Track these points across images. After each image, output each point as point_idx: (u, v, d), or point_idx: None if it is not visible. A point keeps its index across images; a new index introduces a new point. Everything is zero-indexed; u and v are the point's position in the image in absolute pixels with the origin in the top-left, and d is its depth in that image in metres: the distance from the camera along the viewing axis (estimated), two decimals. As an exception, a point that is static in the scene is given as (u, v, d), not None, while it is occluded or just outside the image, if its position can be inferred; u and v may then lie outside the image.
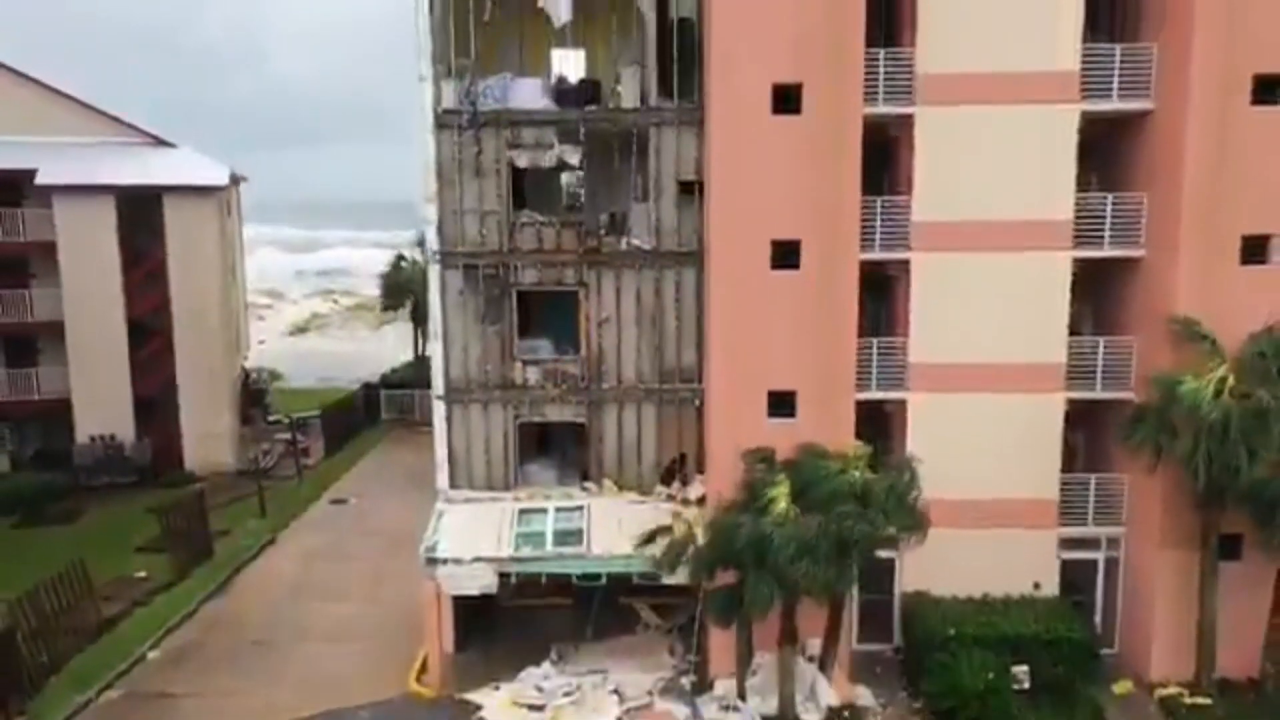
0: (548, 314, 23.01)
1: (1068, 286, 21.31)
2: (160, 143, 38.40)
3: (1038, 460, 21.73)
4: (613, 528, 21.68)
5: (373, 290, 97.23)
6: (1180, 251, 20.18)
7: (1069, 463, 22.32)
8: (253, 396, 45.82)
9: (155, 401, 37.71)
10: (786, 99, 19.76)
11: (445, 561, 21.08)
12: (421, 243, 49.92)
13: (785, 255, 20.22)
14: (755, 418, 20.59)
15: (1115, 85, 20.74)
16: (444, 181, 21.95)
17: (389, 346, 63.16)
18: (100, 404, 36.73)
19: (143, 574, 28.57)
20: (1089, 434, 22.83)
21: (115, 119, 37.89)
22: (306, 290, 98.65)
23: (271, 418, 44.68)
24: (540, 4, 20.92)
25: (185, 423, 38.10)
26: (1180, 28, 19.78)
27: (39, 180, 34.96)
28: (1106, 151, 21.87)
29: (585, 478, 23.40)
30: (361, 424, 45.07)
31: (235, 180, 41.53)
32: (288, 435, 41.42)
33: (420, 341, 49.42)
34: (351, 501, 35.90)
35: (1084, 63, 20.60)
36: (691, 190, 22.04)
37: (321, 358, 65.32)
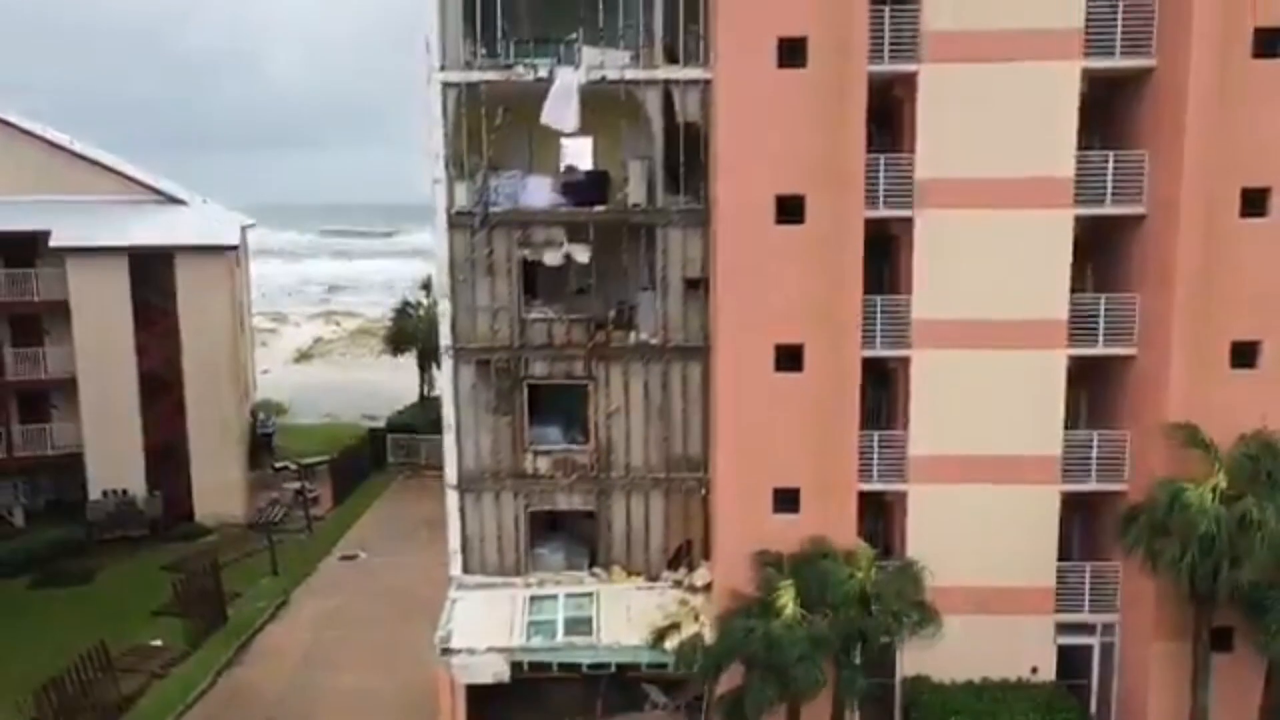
0: (558, 404, 23.59)
1: (1063, 382, 21.93)
2: (171, 200, 38.99)
3: (1035, 548, 22.32)
4: (621, 615, 22.31)
5: (374, 310, 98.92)
6: (1172, 353, 20.81)
7: (1065, 549, 22.95)
8: (259, 440, 46.47)
9: (166, 455, 38.28)
10: (790, 209, 20.38)
11: (459, 652, 21.67)
12: (427, 286, 50.94)
13: (789, 358, 20.85)
14: (760, 513, 21.24)
15: (1109, 187, 21.36)
16: (457, 279, 22.56)
17: (392, 377, 63.63)
18: (112, 458, 37.30)
19: (158, 642, 29.16)
20: (1084, 522, 23.45)
21: (126, 176, 38.54)
22: (309, 311, 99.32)
23: (279, 464, 45.22)
24: (545, 120, 21.47)
25: (196, 476, 38.67)
26: (1170, 140, 20.39)
27: (53, 243, 35.55)
28: (1101, 250, 22.50)
29: (594, 562, 24.00)
30: (368, 469, 45.61)
31: (244, 230, 42.14)
32: (296, 484, 42.07)
33: (425, 384, 50.03)
34: (361, 557, 36.48)
35: (1079, 169, 21.23)
36: (698, 286, 22.64)
37: (326, 390, 65.72)
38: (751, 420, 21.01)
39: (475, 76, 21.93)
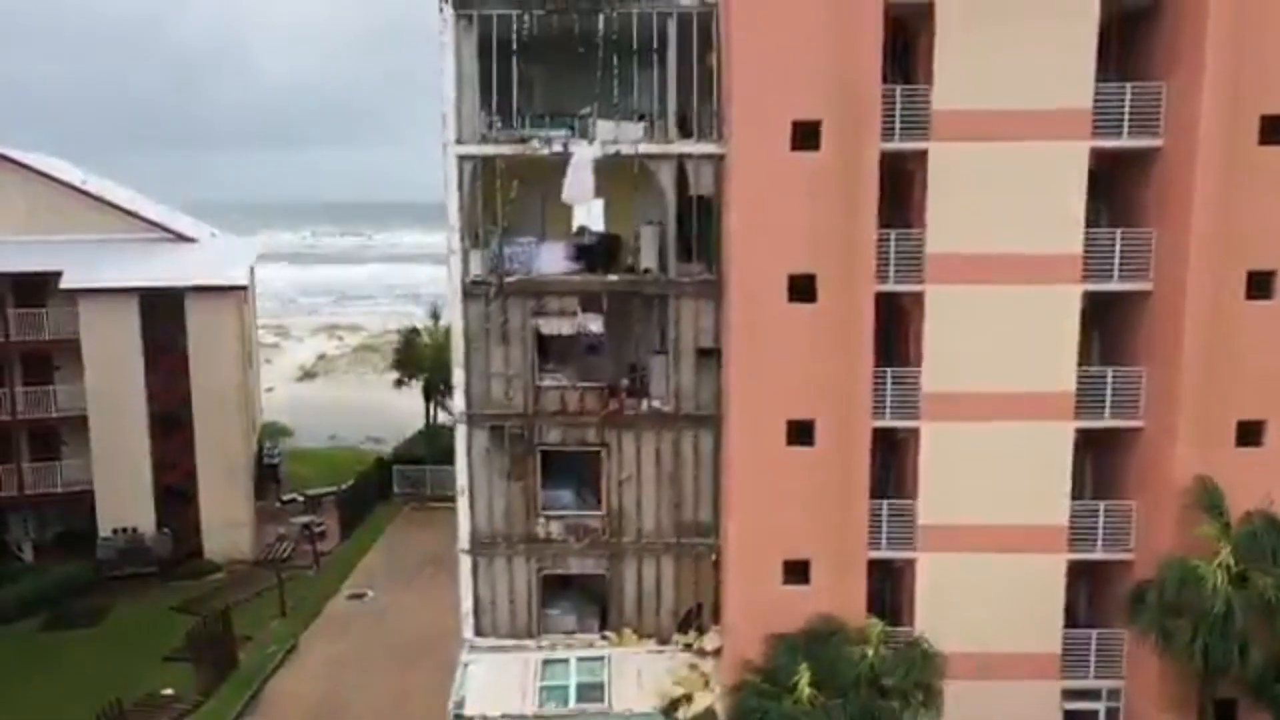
0: (570, 469, 23.85)
1: (1070, 453, 22.20)
2: (181, 238, 39.23)
3: (1042, 615, 22.60)
4: (633, 681, 22.60)
5: (376, 321, 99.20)
6: (1179, 428, 21.10)
7: (1071, 614, 23.22)
8: (265, 470, 46.66)
9: (175, 492, 38.59)
10: (802, 287, 20.66)
11: (473, 718, 21.93)
12: (436, 316, 51.16)
13: (800, 433, 21.12)
14: (771, 584, 21.52)
15: (1116, 263, 21.64)
16: (471, 347, 22.82)
17: (396, 397, 63.70)
18: (122, 496, 37.62)
19: (170, 691, 29.40)
20: (1090, 588, 23.74)
21: (137, 216, 38.78)
22: (312, 324, 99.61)
23: (286, 496, 45.47)
24: (565, 199, 21.77)
25: (204, 513, 38.95)
26: (1178, 220, 20.67)
27: (64, 284, 35.84)
28: (1108, 323, 22.77)
29: (604, 622, 24.26)
30: (374, 500, 45.81)
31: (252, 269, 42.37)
32: (303, 517, 42.32)
33: (431, 412, 50.20)
34: (369, 595, 36.70)
35: (1087, 245, 21.51)
36: (710, 355, 22.90)
37: (330, 411, 65.91)
38: (762, 494, 21.28)
39: (490, 150, 22.19)
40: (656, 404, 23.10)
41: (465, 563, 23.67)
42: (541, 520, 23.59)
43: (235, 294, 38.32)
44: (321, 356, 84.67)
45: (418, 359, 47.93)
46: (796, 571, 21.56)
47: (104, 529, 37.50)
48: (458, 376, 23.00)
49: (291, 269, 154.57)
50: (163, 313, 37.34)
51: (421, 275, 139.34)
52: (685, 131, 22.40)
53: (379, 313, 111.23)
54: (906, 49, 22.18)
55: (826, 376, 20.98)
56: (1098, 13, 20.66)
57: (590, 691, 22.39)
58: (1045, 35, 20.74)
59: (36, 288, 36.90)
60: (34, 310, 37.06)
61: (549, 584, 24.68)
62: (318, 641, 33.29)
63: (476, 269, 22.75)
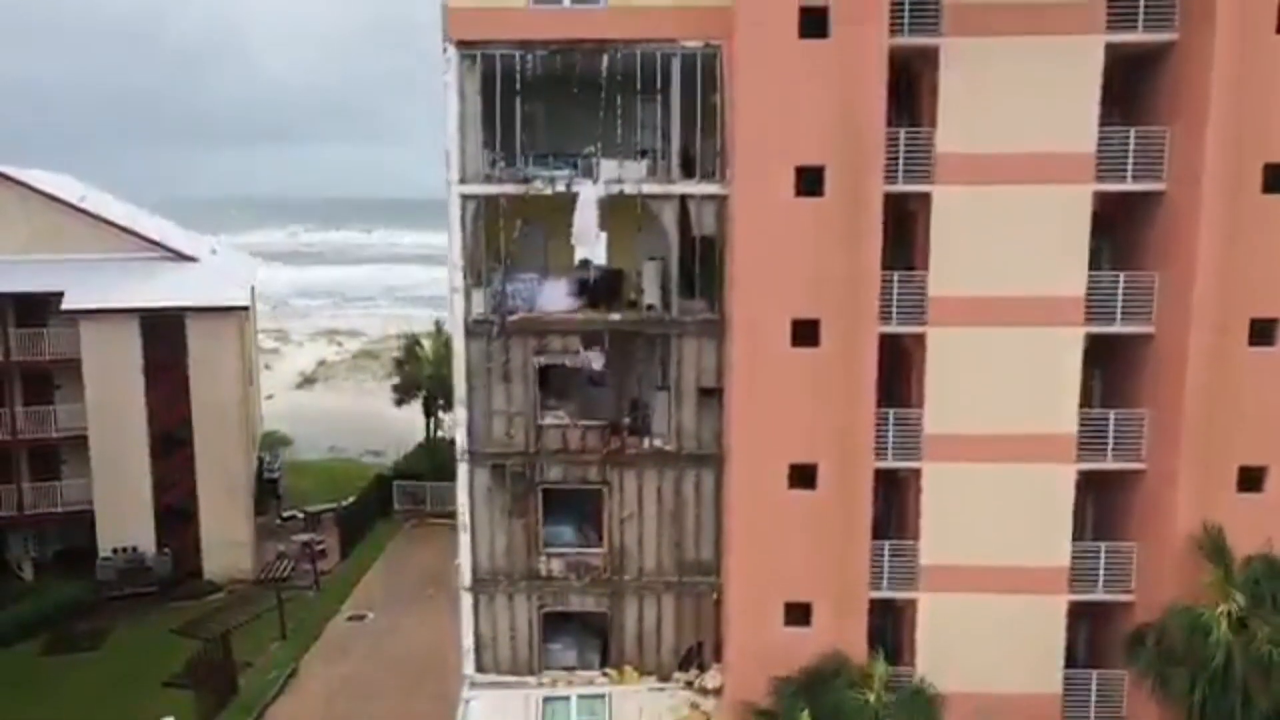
0: (572, 507, 23.85)
1: (1071, 495, 22.21)
2: (181, 257, 39.19)
3: (1042, 656, 22.61)
4: (634, 719, 22.60)
5: (375, 325, 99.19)
6: (1180, 471, 21.11)
7: (1072, 654, 23.23)
8: (265, 485, 46.64)
9: (176, 512, 38.55)
10: (805, 331, 20.66)
11: (474, 758, 21.96)
12: (438, 327, 51.11)
13: (803, 477, 21.13)
14: (772, 626, 21.56)
15: (1119, 306, 21.64)
16: (473, 385, 22.80)
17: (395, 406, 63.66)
18: (122, 515, 37.58)
19: (170, 719, 29.39)
20: (1091, 630, 23.76)
21: (137, 235, 38.72)
22: (312, 329, 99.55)
23: (286, 513, 45.45)
24: (575, 244, 21.83)
25: (205, 533, 38.92)
26: (1182, 266, 20.67)
27: (66, 306, 35.80)
28: (1110, 364, 22.77)
29: (605, 657, 24.27)
30: (374, 517, 45.77)
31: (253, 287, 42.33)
32: (304, 535, 42.30)
33: (431, 427, 50.23)
34: (369, 617, 36.67)
35: (1090, 287, 21.51)
36: (712, 394, 22.88)
37: (329, 420, 65.88)
38: (763, 537, 21.31)
39: (493, 189, 22.15)
40: (658, 443, 23.09)
41: (466, 599, 23.67)
42: (543, 557, 23.59)
43: (236, 314, 38.26)
44: (321, 363, 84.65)
45: (417, 375, 47.91)
46: (798, 613, 21.58)
47: (104, 549, 37.47)
48: (460, 414, 22.99)
49: (290, 269, 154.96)
50: (163, 333, 37.30)
51: (421, 276, 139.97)
52: (688, 170, 22.36)
53: (379, 316, 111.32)
54: (910, 88, 22.16)
55: (829, 420, 20.99)
56: (1102, 58, 20.65)
57: (591, 731, 22.40)
58: (1049, 79, 20.75)
59: (37, 307, 36.84)
60: (35, 330, 37.00)
61: (550, 619, 24.68)
62: (318, 665, 33.30)
63: (479, 307, 22.72)
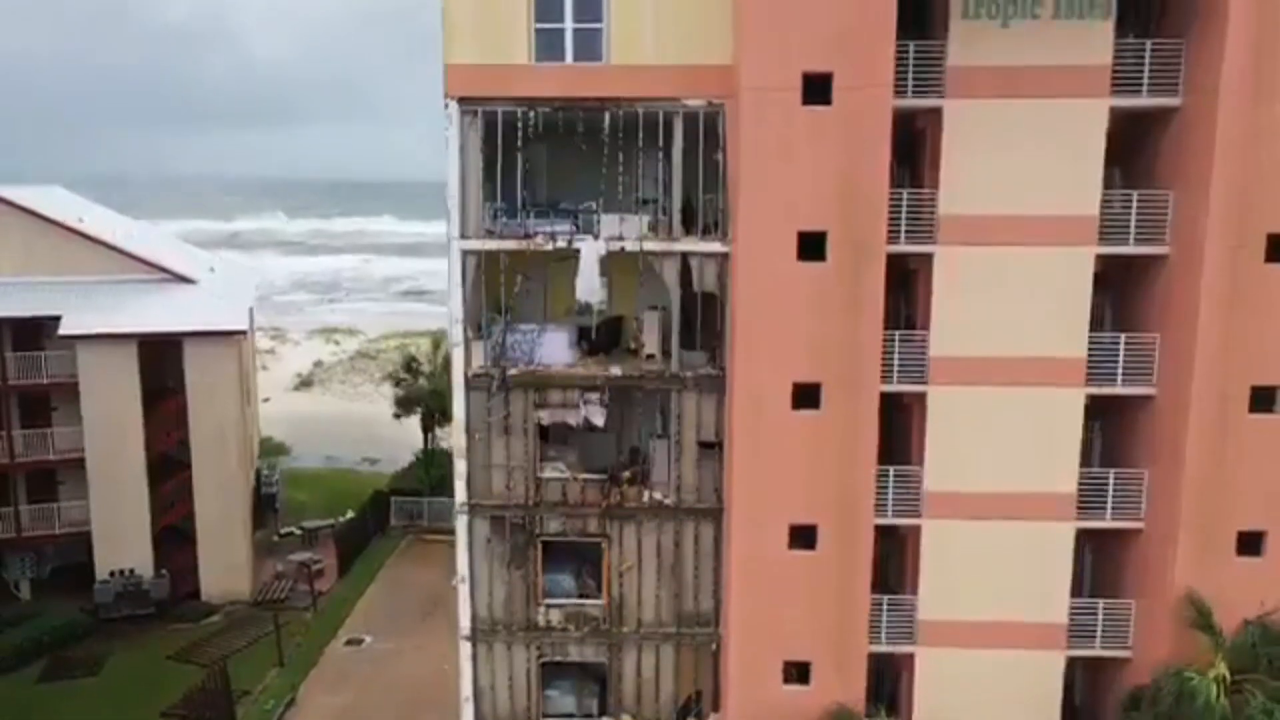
0: (571, 553, 23.89)
1: (1070, 551, 22.29)
2: (179, 278, 39.06)
3: (1038, 711, 22.75)
4: (631, 771, 22.72)
5: (373, 326, 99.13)
6: (1179, 533, 21.18)
7: (1069, 701, 23.36)
8: (263, 500, 46.62)
9: (173, 534, 38.59)
10: (806, 394, 20.66)
11: (472, 812, 22.07)
12: (437, 344, 51.13)
13: (802, 537, 21.19)
14: (771, 685, 21.71)
15: (1120, 369, 21.65)
16: (473, 439, 22.78)
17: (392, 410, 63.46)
18: (120, 538, 37.53)
19: (170, 752, 29.54)
20: (1087, 679, 23.90)
21: (135, 257, 38.57)
22: (308, 326, 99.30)
23: (284, 530, 45.47)
24: (579, 298, 21.86)
25: (202, 555, 38.97)
26: (1183, 330, 20.67)
27: (63, 331, 35.68)
28: (1110, 423, 22.81)
29: (603, 704, 24.37)
30: (372, 534, 45.82)
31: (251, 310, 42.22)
32: (301, 555, 42.37)
33: (428, 441, 50.21)
34: (367, 641, 36.75)
35: (1092, 348, 21.53)
36: (712, 447, 22.88)
37: (326, 426, 65.73)
38: (763, 597, 21.40)
39: (494, 245, 22.08)
40: (658, 495, 23.10)
41: (465, 648, 23.72)
42: (542, 608, 23.63)
43: (234, 338, 38.16)
44: (318, 364, 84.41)
45: (415, 397, 48.03)
46: (796, 672, 21.67)
47: (101, 572, 37.48)
48: (459, 467, 22.97)
49: (287, 260, 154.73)
50: (162, 356, 37.24)
51: (416, 268, 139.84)
52: (690, 226, 22.26)
53: (375, 313, 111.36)
54: (913, 142, 22.09)
55: (829, 481, 21.05)
56: (1106, 122, 20.59)
57: (589, 783, 22.51)
58: (1053, 143, 20.71)
59: (34, 329, 36.74)
60: (32, 353, 36.89)
61: (549, 664, 24.76)
62: (317, 693, 33.39)
63: (479, 360, 22.68)
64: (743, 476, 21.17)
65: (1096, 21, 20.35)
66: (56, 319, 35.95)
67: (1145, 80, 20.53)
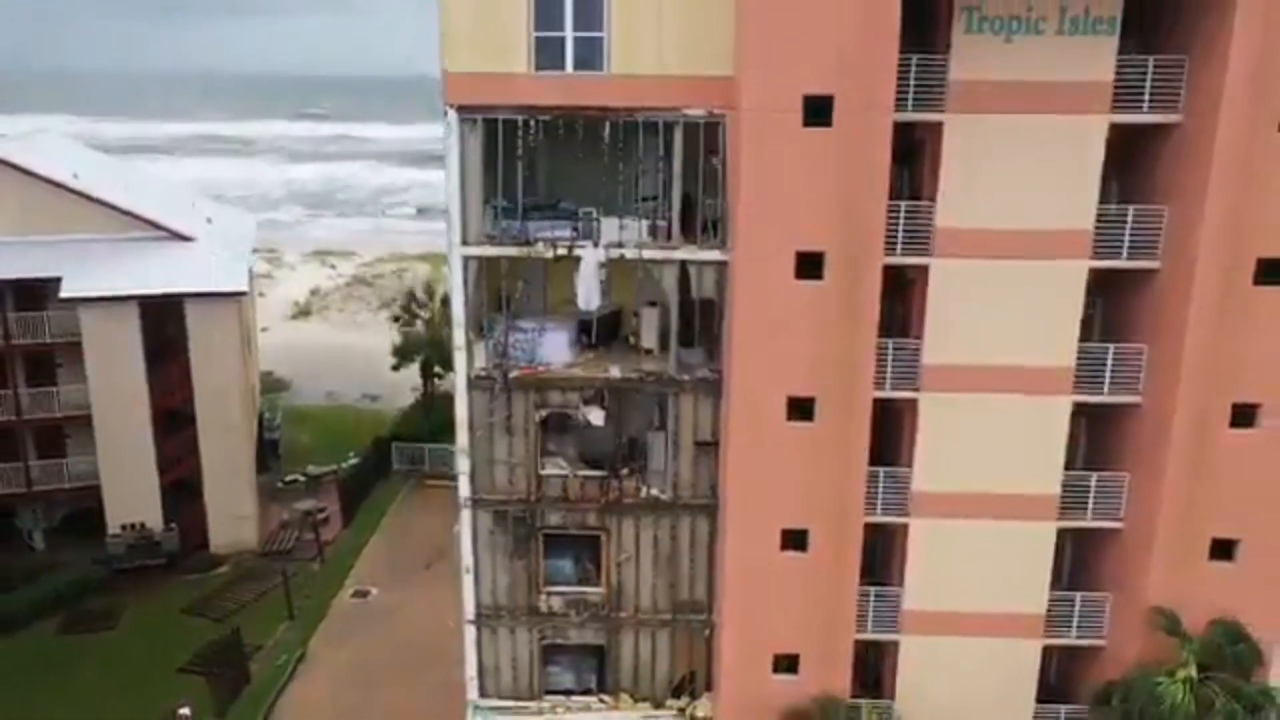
0: (571, 547, 24.76)
1: (1051, 547, 23.20)
2: (177, 236, 39.06)
3: (1014, 690, 23.92)
4: (628, 748, 24.08)
5: (368, 248, 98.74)
6: (1156, 536, 22.04)
7: (1044, 675, 24.57)
8: (266, 445, 47.51)
9: (181, 488, 39.49)
10: (801, 408, 21.22)
11: (479, 787, 23.44)
12: (430, 293, 51.33)
13: (794, 540, 22.02)
14: (761, 675, 22.85)
15: (1108, 377, 22.17)
16: (476, 436, 23.39)
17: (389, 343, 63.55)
18: (128, 493, 38.44)
19: (186, 711, 30.83)
20: (1060, 661, 25.09)
21: (133, 215, 38.48)
22: (302, 249, 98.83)
23: (288, 478, 46.43)
24: (580, 304, 22.16)
25: (210, 507, 40.00)
26: (1171, 343, 21.14)
27: (64, 294, 35.90)
28: (1096, 425, 23.44)
29: (601, 681, 25.60)
30: (374, 480, 46.78)
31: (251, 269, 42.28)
32: (305, 504, 43.45)
33: (428, 386, 50.88)
34: (373, 594, 38.05)
35: (1080, 356, 22.03)
36: (708, 445, 23.53)
37: (325, 357, 66.06)
38: (756, 596, 22.35)
39: (495, 251, 22.31)
40: (655, 491, 23.85)
41: (470, 632, 24.79)
42: (543, 595, 24.62)
43: (235, 299, 38.40)
44: (315, 291, 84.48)
45: (413, 347, 48.54)
46: (785, 663, 22.79)
47: (112, 525, 38.49)
48: (463, 464, 23.64)
49: (275, 167, 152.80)
50: (164, 313, 37.54)
51: (411, 178, 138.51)
52: (689, 221, 22.40)
53: (370, 232, 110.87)
54: (912, 150, 22.14)
55: (822, 487, 21.76)
56: (1105, 137, 20.67)
57: (589, 760, 23.85)
58: (1053, 157, 20.81)
59: (36, 290, 36.93)
60: (34, 313, 37.17)
61: (550, 645, 25.88)
62: (325, 647, 34.78)
63: (481, 362, 23.13)
64: (738, 484, 21.88)
65: (1101, 37, 20.25)
66: (57, 280, 36.08)
67: (1147, 96, 20.51)
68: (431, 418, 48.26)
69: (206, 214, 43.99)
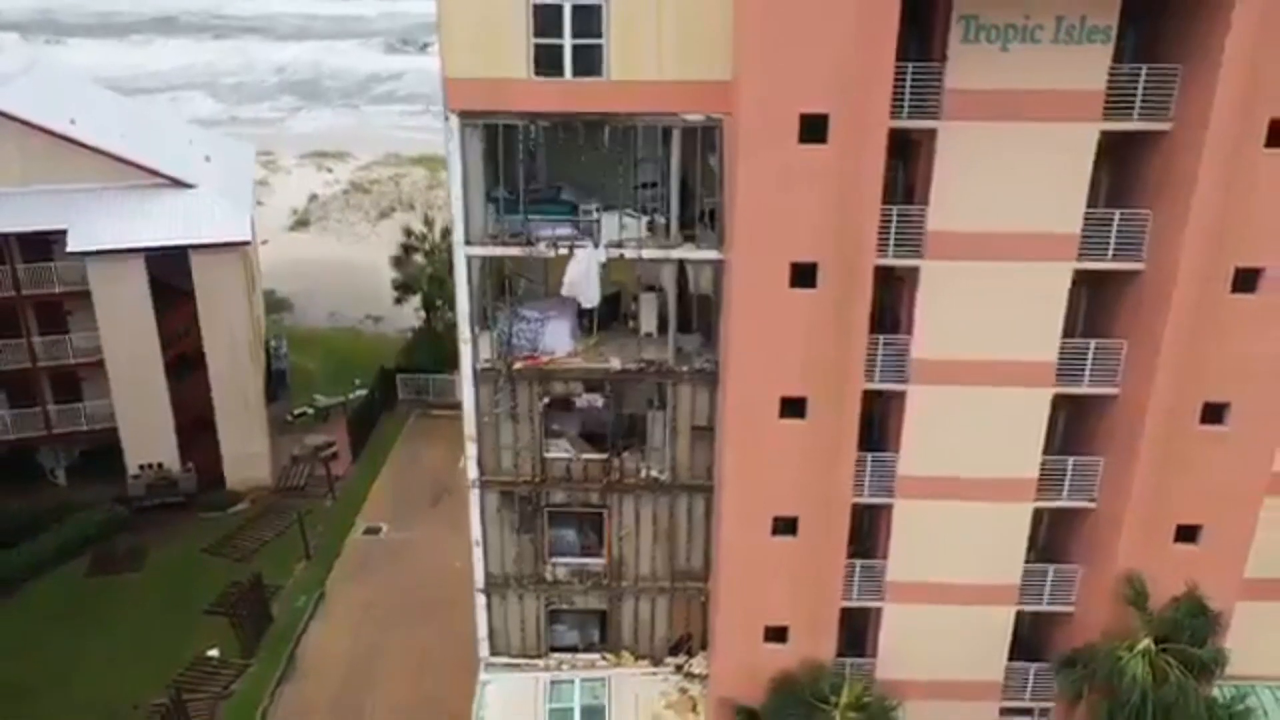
0: (575, 522, 26.17)
1: (1027, 525, 24.59)
2: (178, 184, 39.23)
3: (989, 652, 25.74)
4: (630, 704, 26.09)
5: (363, 149, 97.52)
6: (1126, 517, 23.37)
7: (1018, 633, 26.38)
8: (274, 375, 48.63)
9: (196, 428, 40.76)
10: (794, 407, 22.21)
11: (491, 737, 25.50)
12: (429, 222, 51.38)
13: (786, 526, 23.35)
14: (753, 643, 24.44)
15: (1088, 371, 23.09)
16: (482, 424, 24.48)
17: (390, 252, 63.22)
18: (145, 434, 39.81)
19: (214, 652, 32.89)
20: (1031, 627, 26.81)
21: (134, 164, 38.55)
22: (297, 150, 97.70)
23: (297, 410, 47.65)
24: (565, 294, 22.79)
25: (224, 446, 41.36)
26: (1148, 339, 22.00)
27: (70, 247, 36.39)
28: (1074, 412, 24.46)
29: (604, 638, 27.42)
30: (380, 411, 48.02)
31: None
32: (315, 439, 44.87)
33: (430, 320, 51.53)
34: (384, 530, 39.79)
35: (1063, 352, 22.93)
36: (705, 429, 24.65)
37: (327, 276, 66.23)
38: (749, 575, 23.77)
39: (499, 251, 22.92)
40: (654, 473, 25.09)
41: (480, 599, 26.43)
42: (549, 565, 26.16)
43: (238, 248, 38.88)
44: (313, 197, 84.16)
45: (413, 280, 49.04)
46: (775, 633, 24.46)
47: (131, 466, 39.95)
48: (470, 449, 24.79)
49: (265, 45, 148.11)
50: (169, 264, 38.07)
51: (402, 64, 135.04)
52: (687, 222, 22.96)
53: (363, 128, 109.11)
54: (906, 148, 22.48)
55: (812, 478, 22.89)
56: (1094, 145, 21.05)
57: (592, 715, 25.84)
58: (1043, 163, 21.18)
59: (43, 241, 37.37)
60: (42, 264, 37.71)
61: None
62: (342, 586, 36.68)
63: (486, 352, 24.00)
64: (732, 476, 23.04)
65: (1096, 46, 20.41)
66: (63, 233, 36.51)
67: (1138, 104, 20.78)
68: (435, 351, 49.01)
69: (205, 151, 43.83)
